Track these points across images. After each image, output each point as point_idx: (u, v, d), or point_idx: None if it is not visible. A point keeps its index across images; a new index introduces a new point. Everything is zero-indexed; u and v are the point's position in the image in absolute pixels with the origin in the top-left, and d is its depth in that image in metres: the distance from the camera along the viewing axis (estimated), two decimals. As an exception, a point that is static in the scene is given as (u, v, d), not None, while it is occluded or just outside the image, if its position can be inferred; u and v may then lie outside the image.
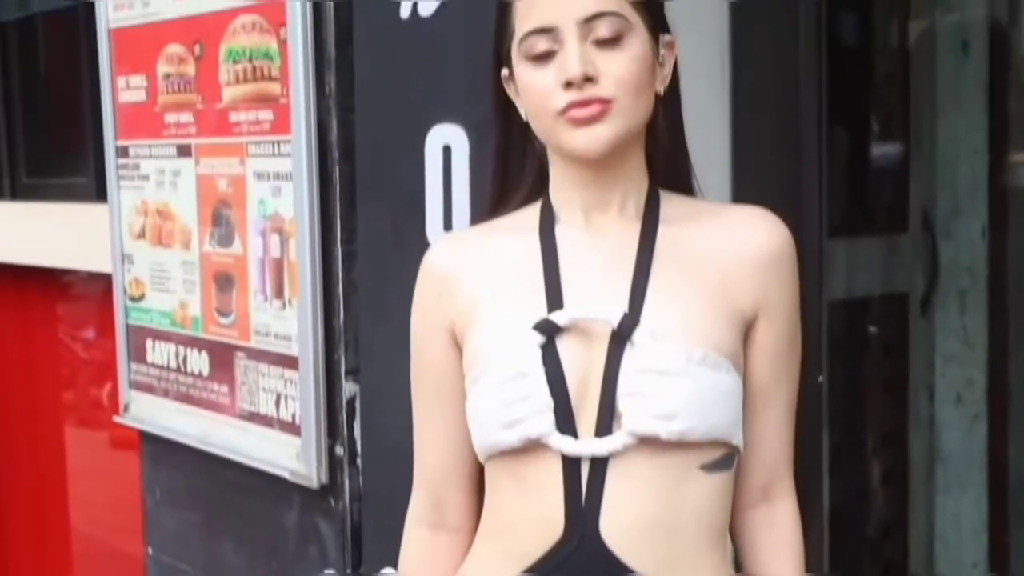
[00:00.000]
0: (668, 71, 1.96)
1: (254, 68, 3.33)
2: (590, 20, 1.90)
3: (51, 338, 5.34)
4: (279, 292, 3.34)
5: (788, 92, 2.95)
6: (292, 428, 3.33)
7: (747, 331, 1.95)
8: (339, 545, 3.25)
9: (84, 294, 4.95)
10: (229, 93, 3.43)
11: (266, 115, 3.32)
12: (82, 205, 4.78)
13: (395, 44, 2.84)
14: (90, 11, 4.21)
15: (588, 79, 1.89)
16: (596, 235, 2.00)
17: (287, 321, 3.33)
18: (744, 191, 2.95)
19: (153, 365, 3.86)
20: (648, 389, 1.85)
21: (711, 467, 1.89)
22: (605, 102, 1.90)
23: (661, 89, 1.95)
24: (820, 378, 3.16)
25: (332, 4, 3.10)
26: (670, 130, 2.01)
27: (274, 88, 3.28)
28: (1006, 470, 3.97)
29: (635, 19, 1.91)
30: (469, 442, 2.04)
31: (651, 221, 1.98)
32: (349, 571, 3.22)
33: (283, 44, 3.22)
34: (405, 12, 2.79)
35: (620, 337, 1.88)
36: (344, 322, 3.21)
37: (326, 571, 3.28)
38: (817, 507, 3.17)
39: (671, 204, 2.01)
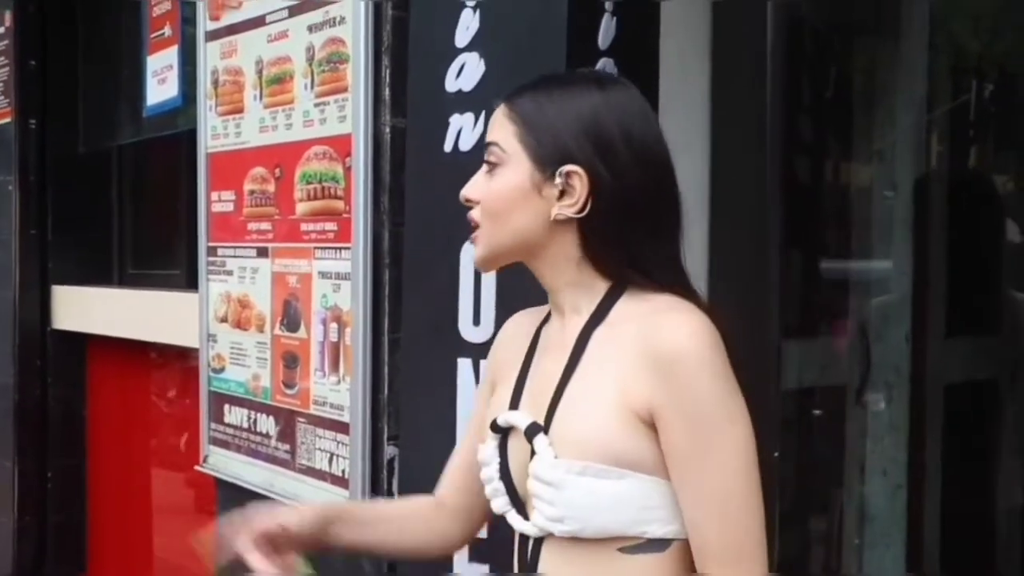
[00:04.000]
0: (577, 198, 1.80)
1: (323, 188, 3.35)
2: (488, 146, 1.90)
3: (145, 399, 5.33)
4: (335, 369, 3.34)
5: (759, 235, 2.97)
6: (342, 482, 3.31)
7: (655, 429, 1.75)
8: (377, 583, 3.23)
9: (174, 364, 4.95)
10: (301, 207, 3.45)
11: (331, 226, 3.34)
12: (175, 292, 4.79)
13: (438, 172, 2.83)
14: (192, 138, 4.23)
15: (469, 202, 1.91)
16: (558, 335, 1.92)
17: (341, 394, 3.32)
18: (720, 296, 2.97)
19: (229, 425, 3.86)
20: (540, 494, 1.81)
21: (631, 551, 1.78)
22: (476, 225, 1.91)
23: (560, 214, 1.81)
24: (776, 453, 3.17)
25: (389, 138, 3.12)
26: (602, 243, 1.83)
27: (339, 205, 3.29)
28: (922, 530, 3.96)
29: (515, 152, 1.85)
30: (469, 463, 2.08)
31: (592, 324, 1.85)
32: (387, 605, 3.19)
33: (348, 170, 3.24)
34: (448, 147, 2.81)
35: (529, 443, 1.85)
36: (388, 396, 3.20)
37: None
38: (770, 558, 3.15)
39: (628, 304, 1.84)
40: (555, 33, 2.64)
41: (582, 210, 1.81)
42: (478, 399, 2.19)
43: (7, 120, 5.71)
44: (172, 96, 4.90)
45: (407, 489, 3.09)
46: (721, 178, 2.96)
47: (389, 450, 3.17)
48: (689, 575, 1.80)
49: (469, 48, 2.81)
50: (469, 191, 1.91)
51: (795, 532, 3.83)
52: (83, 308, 5.57)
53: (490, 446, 1.95)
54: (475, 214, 1.90)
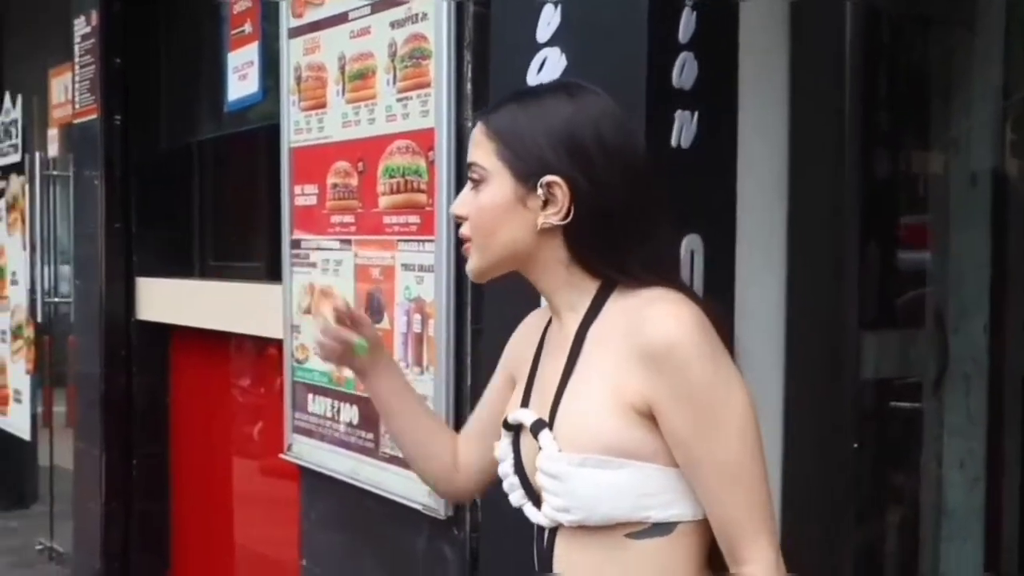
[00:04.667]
0: (560, 205, 1.87)
1: (406, 182, 3.35)
2: (469, 166, 1.98)
3: (227, 388, 5.37)
4: (419, 360, 3.34)
5: (838, 227, 2.97)
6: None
7: (652, 419, 1.81)
8: (460, 567, 3.23)
9: (256, 354, 4.97)
10: (384, 201, 3.45)
11: (414, 219, 3.34)
12: (256, 284, 4.81)
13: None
14: (271, 133, 4.25)
15: (459, 219, 1.99)
16: (558, 335, 2.00)
17: (424, 384, 3.30)
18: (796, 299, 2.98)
19: (313, 414, 3.87)
20: (546, 486, 1.88)
21: (638, 536, 1.84)
22: (467, 240, 1.99)
23: (545, 223, 1.88)
24: (855, 445, 3.15)
25: (471, 128, 3.13)
26: (589, 246, 1.91)
27: (421, 198, 3.29)
28: (1000, 525, 3.94)
29: (496, 168, 1.91)
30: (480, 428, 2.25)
31: (587, 321, 1.92)
32: (468, 588, 3.21)
33: (431, 164, 3.24)
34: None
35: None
36: (471, 386, 3.20)
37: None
38: (846, 550, 3.15)
39: (618, 300, 1.91)
40: (636, 27, 2.62)
41: (566, 217, 1.88)
42: (492, 379, 2.30)
43: (93, 117, 5.76)
44: (252, 92, 4.92)
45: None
46: (800, 171, 2.96)
47: (472, 439, 3.17)
48: (697, 556, 1.87)
49: (550, 43, 2.80)
50: (457, 208, 2.00)
51: (872, 524, 3.82)
52: (166, 299, 5.61)
53: (504, 443, 2.03)
54: (465, 229, 1.98)
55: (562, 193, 1.86)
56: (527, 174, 1.88)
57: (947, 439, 3.93)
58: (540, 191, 1.87)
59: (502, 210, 1.91)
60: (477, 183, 1.94)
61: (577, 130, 1.88)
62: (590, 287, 1.94)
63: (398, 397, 2.28)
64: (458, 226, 2.01)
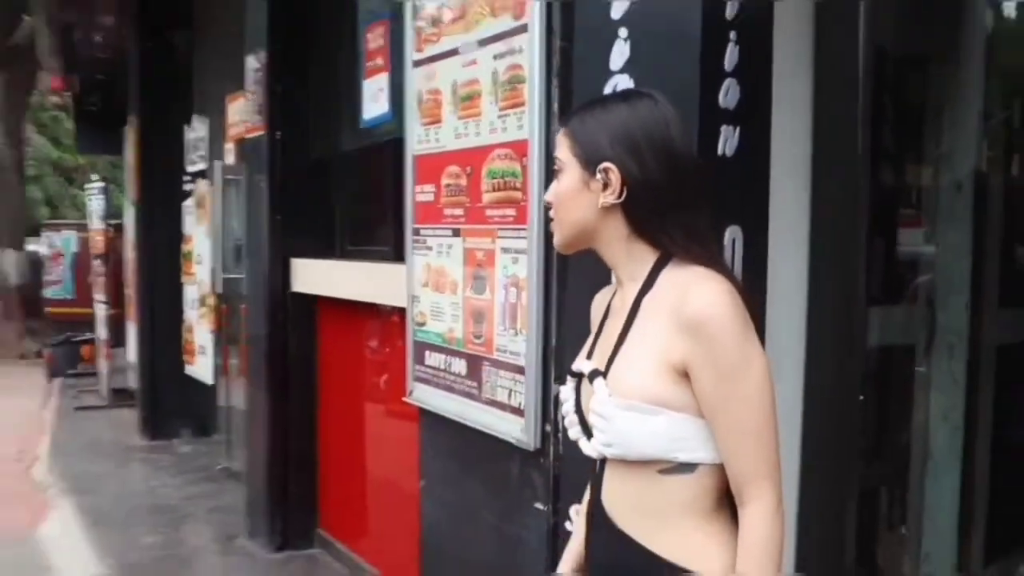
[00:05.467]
0: (615, 187, 1.88)
1: (504, 182, 3.31)
2: (554, 160, 2.01)
3: (361, 346, 5.38)
4: (514, 324, 3.31)
5: (851, 224, 2.96)
6: (518, 412, 3.30)
7: (688, 378, 1.81)
8: (545, 489, 3.20)
9: (384, 319, 4.98)
10: (487, 197, 3.41)
11: (511, 212, 3.30)
12: (384, 264, 4.81)
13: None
14: (397, 144, 4.24)
15: (547, 203, 2.03)
16: (620, 302, 1.99)
17: (518, 343, 3.29)
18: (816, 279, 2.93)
19: (429, 367, 3.85)
20: (596, 424, 1.89)
21: (667, 472, 1.85)
22: (552, 220, 2.02)
23: (604, 202, 1.90)
24: (860, 397, 3.14)
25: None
26: (643, 221, 1.91)
27: (517, 195, 3.26)
28: (974, 464, 3.97)
29: (569, 160, 1.94)
30: None
31: (643, 291, 1.91)
32: (551, 506, 3.17)
33: (525, 168, 3.20)
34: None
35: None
36: (556, 345, 3.18)
37: (536, 504, 3.23)
38: (852, 484, 3.16)
39: (671, 273, 1.89)
40: (690, 58, 2.62)
41: (619, 196, 1.89)
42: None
43: (260, 133, 5.81)
44: (383, 112, 4.93)
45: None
46: (820, 175, 2.93)
47: (555, 388, 3.14)
48: (715, 492, 1.87)
49: (621, 71, 2.78)
50: (546, 196, 2.04)
51: (873, 462, 3.84)
52: (314, 276, 5.64)
53: (568, 387, 2.03)
54: (552, 212, 2.01)
55: (615, 176, 1.88)
56: (589, 162, 1.91)
57: (934, 395, 3.96)
58: (599, 176, 1.90)
59: (573, 192, 1.94)
60: (557, 174, 1.98)
61: (629, 126, 1.90)
62: (648, 260, 1.92)
63: None
64: (547, 212, 2.05)
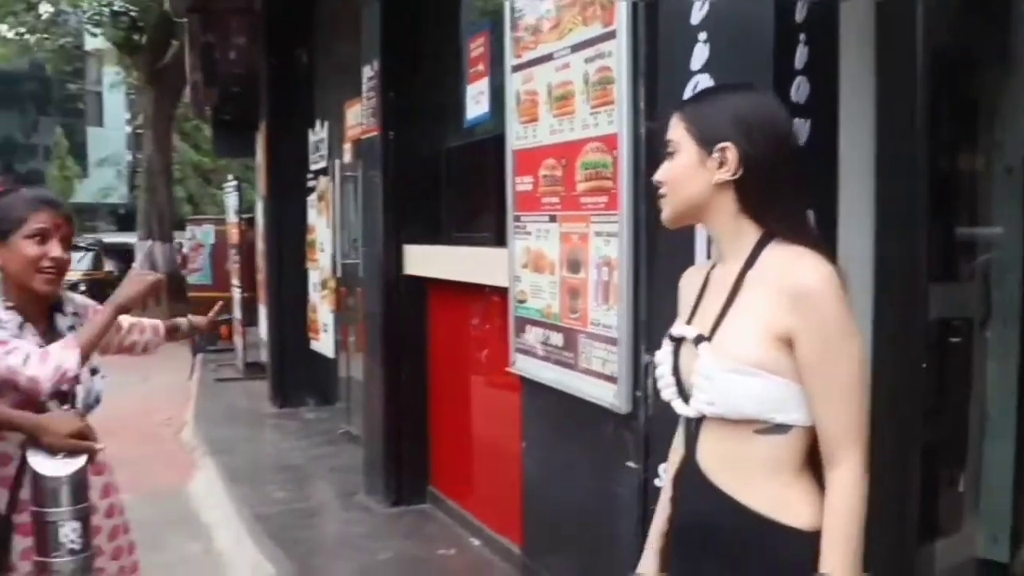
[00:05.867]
0: (731, 165, 1.84)
1: (596, 173, 3.31)
2: (666, 143, 1.96)
3: (467, 322, 5.41)
4: (606, 300, 3.30)
5: (913, 208, 2.87)
6: (611, 379, 3.29)
7: (789, 345, 1.78)
8: (636, 448, 3.20)
9: (487, 298, 5.00)
10: (581, 187, 3.41)
11: (603, 199, 3.29)
12: (486, 248, 4.83)
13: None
14: (497, 141, 4.26)
15: (658, 182, 1.97)
16: (721, 276, 1.94)
17: (610, 317, 3.28)
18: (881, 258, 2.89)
19: (530, 340, 3.86)
20: (699, 384, 1.86)
21: (763, 432, 1.82)
22: (662, 196, 1.97)
23: (719, 179, 1.86)
24: (923, 365, 3.07)
25: (644, 136, 3.07)
26: (754, 199, 1.87)
27: (608, 184, 3.25)
28: None
29: (684, 140, 1.90)
30: None
31: (747, 265, 1.87)
32: (642, 464, 3.17)
33: (615, 159, 3.19)
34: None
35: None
36: (646, 319, 3.16)
37: (628, 463, 3.23)
38: (915, 444, 3.07)
39: (774, 251, 1.86)
40: (764, 57, 2.62)
41: (734, 174, 1.85)
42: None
43: (374, 134, 5.85)
44: (484, 112, 4.95)
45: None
46: (884, 163, 2.88)
47: (645, 357, 3.14)
48: (803, 452, 1.84)
49: (701, 71, 2.78)
50: (657, 176, 1.97)
51: (934, 425, 3.75)
52: (424, 260, 5.68)
53: (665, 350, 1.99)
54: (662, 190, 1.96)
55: (732, 156, 1.85)
56: (705, 142, 1.87)
57: (990, 364, 3.84)
58: (716, 155, 1.86)
59: (689, 170, 1.89)
60: (671, 155, 1.93)
61: (743, 109, 1.88)
62: (752, 237, 1.88)
63: None
64: (656, 189, 2.00)
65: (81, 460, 2.45)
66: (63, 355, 2.56)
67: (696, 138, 1.88)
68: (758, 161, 1.85)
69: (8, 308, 2.70)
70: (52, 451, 2.44)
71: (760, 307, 1.82)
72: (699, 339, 1.88)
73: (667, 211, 1.97)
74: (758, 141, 1.85)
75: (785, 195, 1.87)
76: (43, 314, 2.78)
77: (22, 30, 18.70)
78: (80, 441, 2.46)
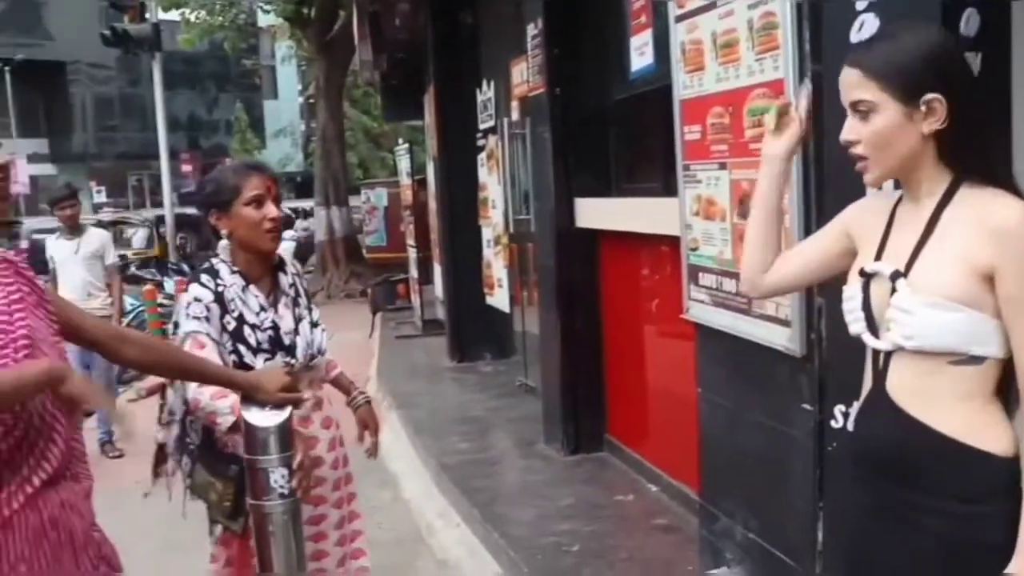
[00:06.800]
0: (939, 115, 1.85)
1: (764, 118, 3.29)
2: (852, 104, 1.92)
3: (639, 271, 5.45)
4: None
5: None
6: (785, 323, 3.30)
7: (989, 282, 1.81)
8: (811, 391, 3.21)
9: (656, 247, 5.03)
10: (749, 133, 3.40)
11: (771, 145, 3.28)
12: (655, 198, 4.85)
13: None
14: (661, 92, 4.27)
15: (851, 143, 1.94)
16: (911, 212, 1.95)
17: (782, 261, 3.28)
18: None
19: (703, 286, 3.88)
20: (897, 319, 1.88)
21: (957, 363, 1.85)
22: (862, 158, 1.94)
23: (930, 129, 1.86)
24: None
25: (811, 77, 3.05)
26: (958, 145, 1.87)
27: (776, 129, 3.23)
28: None
29: (882, 99, 1.87)
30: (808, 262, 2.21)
31: (941, 205, 1.89)
32: (817, 406, 3.17)
33: (782, 104, 3.17)
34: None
35: (891, 284, 1.90)
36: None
37: (803, 405, 3.24)
38: None
39: (965, 192, 1.88)
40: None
41: (944, 123, 1.85)
42: (828, 225, 2.22)
43: (541, 91, 5.93)
44: (649, 64, 4.96)
45: (831, 327, 3.06)
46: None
47: (818, 300, 3.13)
48: (994, 382, 1.87)
49: (867, 9, 2.74)
50: (848, 135, 1.94)
51: None
52: (595, 212, 5.74)
53: (855, 286, 2.00)
54: (859, 150, 1.93)
55: (941, 105, 1.85)
56: (909, 97, 1.86)
57: None
58: (923, 107, 1.86)
59: (896, 128, 1.88)
60: (865, 114, 1.91)
61: (937, 55, 1.87)
62: (946, 179, 1.91)
63: (778, 180, 2.28)
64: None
65: (287, 412, 2.64)
66: (218, 404, 2.76)
67: (897, 95, 1.86)
68: (963, 106, 1.85)
69: (233, 272, 2.97)
70: (263, 404, 2.63)
71: (959, 244, 1.84)
72: (895, 275, 1.90)
73: (876, 172, 1.95)
74: (958, 84, 1.86)
75: (983, 137, 1.90)
76: (266, 274, 3.05)
77: (203, 13, 19.51)
78: (287, 394, 2.65)
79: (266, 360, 2.91)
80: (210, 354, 2.81)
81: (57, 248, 7.31)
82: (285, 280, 3.08)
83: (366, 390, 3.38)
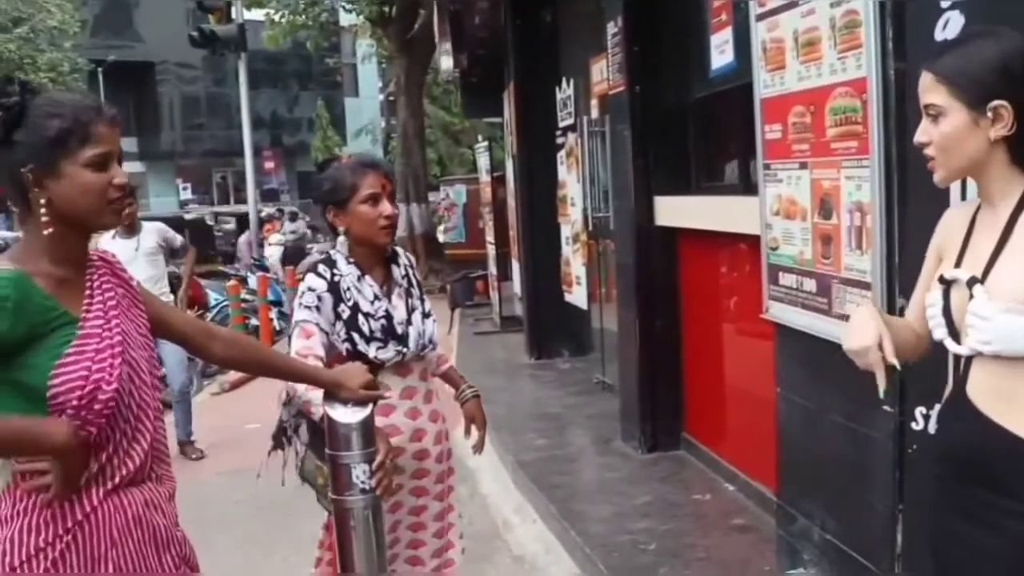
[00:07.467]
0: (1007, 121, 1.87)
1: (846, 118, 3.28)
2: (925, 107, 1.96)
3: (717, 270, 5.44)
4: (860, 245, 3.29)
5: None
6: (866, 323, 3.27)
7: None
8: (892, 393, 3.10)
9: (735, 246, 5.01)
10: (831, 132, 3.38)
11: (853, 144, 3.26)
12: (734, 197, 4.85)
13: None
14: (742, 90, 4.25)
15: (923, 144, 1.97)
16: (988, 218, 1.96)
17: (864, 261, 3.27)
18: None
19: (783, 286, 3.86)
20: (975, 324, 1.89)
21: None
22: (932, 159, 1.97)
23: (997, 135, 1.88)
24: None
25: (893, 78, 3.02)
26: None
27: (858, 129, 3.22)
28: None
29: (950, 104, 1.90)
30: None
31: (1017, 211, 1.90)
32: (897, 407, 3.14)
33: (864, 103, 3.16)
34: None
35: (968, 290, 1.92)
36: (899, 262, 3.13)
37: (884, 407, 3.19)
38: None
39: None
40: None
41: (1011, 129, 1.87)
42: (926, 263, 2.19)
43: (621, 89, 5.93)
44: (729, 62, 4.94)
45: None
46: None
47: (899, 301, 3.10)
48: None
49: (952, 8, 2.72)
50: (920, 137, 1.98)
51: None
52: (674, 210, 5.73)
53: (936, 293, 2.01)
54: (929, 151, 1.97)
55: (1007, 112, 1.87)
56: (976, 102, 1.88)
57: None
58: (989, 114, 1.88)
59: (963, 134, 1.91)
60: (935, 117, 1.94)
61: (1007, 61, 1.88)
62: (1020, 183, 1.93)
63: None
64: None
65: (368, 408, 2.69)
66: (312, 395, 2.81)
67: (964, 101, 1.89)
68: None
69: (349, 263, 3.09)
70: (345, 402, 2.69)
71: None
72: (972, 281, 1.91)
73: (942, 173, 1.99)
74: None
75: None
76: (379, 265, 3.15)
77: (286, 12, 19.81)
78: (369, 392, 2.71)
79: (378, 349, 3.00)
80: (316, 343, 2.93)
81: (117, 248, 7.34)
82: (398, 271, 3.17)
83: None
